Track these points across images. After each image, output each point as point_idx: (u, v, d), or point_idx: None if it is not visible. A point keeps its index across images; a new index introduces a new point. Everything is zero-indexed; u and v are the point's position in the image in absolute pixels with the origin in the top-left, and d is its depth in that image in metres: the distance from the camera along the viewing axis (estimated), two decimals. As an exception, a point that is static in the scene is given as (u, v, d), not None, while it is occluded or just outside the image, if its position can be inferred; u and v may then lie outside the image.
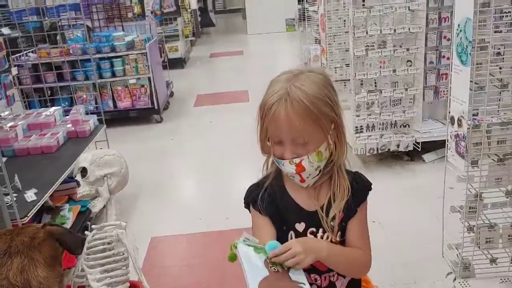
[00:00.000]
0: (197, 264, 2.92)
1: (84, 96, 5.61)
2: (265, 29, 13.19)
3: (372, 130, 3.90)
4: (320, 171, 1.24)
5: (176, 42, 9.06)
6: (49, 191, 2.63)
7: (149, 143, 5.21)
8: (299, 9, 7.27)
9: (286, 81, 1.20)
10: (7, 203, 2.22)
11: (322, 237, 1.27)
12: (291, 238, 1.27)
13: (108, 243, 1.31)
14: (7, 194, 2.25)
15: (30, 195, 2.51)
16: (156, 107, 5.73)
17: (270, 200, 1.30)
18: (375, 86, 3.82)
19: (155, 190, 4.01)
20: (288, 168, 1.21)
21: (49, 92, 5.88)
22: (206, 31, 14.49)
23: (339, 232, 1.28)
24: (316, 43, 6.86)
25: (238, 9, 18.81)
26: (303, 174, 1.21)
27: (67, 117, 3.58)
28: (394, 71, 3.69)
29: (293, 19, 13.44)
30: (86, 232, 1.34)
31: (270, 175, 1.34)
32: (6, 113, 3.54)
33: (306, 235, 1.27)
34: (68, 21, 5.58)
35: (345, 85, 4.77)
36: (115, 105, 5.74)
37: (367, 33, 3.57)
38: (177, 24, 9.31)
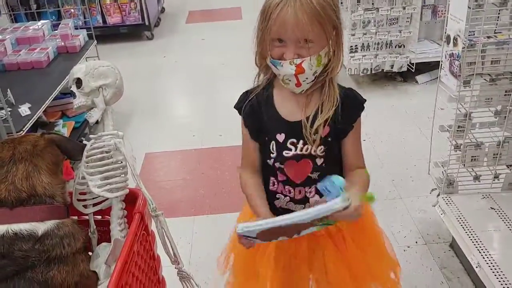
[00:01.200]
0: (191, 179, 3.01)
1: (72, 10, 5.42)
2: None
3: (367, 50, 3.86)
4: (315, 77, 1.23)
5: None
6: (43, 105, 2.64)
7: (140, 60, 5.13)
8: None
9: None
10: (1, 117, 2.24)
11: (302, 149, 1.27)
12: (273, 148, 1.30)
13: (107, 152, 1.34)
14: (1, 108, 2.26)
15: (24, 110, 2.52)
16: (147, 23, 5.58)
17: (252, 112, 1.33)
18: (372, 4, 3.72)
19: (148, 107, 4.02)
20: (287, 68, 1.18)
21: (35, 5, 5.68)
22: None
23: (322, 147, 1.26)
24: None
25: None
26: (300, 76, 1.19)
27: (56, 31, 3.49)
28: (393, -12, 3.59)
29: None
30: (84, 141, 1.37)
31: (260, 85, 1.35)
32: (-7, 25, 3.44)
33: (286, 146, 1.28)
34: None
35: (341, 3, 4.64)
36: (104, 21, 5.57)
37: None
38: None
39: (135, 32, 5.71)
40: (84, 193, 1.40)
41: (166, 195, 2.87)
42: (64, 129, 3.05)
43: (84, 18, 5.41)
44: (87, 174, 1.30)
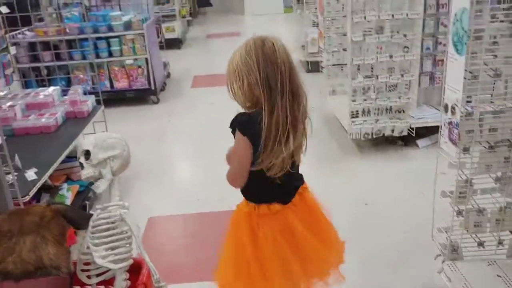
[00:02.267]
0: (194, 244, 2.99)
1: (81, 76, 5.61)
2: (262, 10, 13.12)
3: (367, 115, 3.95)
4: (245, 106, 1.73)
5: (173, 22, 9.00)
6: (49, 170, 2.68)
7: (146, 124, 5.24)
8: (297, -9, 7.26)
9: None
10: (8, 182, 2.27)
11: None
12: None
13: (112, 222, 1.36)
14: (8, 173, 2.29)
15: (30, 174, 2.56)
16: (153, 87, 5.75)
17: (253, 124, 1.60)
18: (372, 71, 3.86)
19: (152, 170, 4.06)
20: None
21: (46, 71, 5.88)
22: (202, 11, 14.37)
23: None
24: (314, 26, 6.85)
25: (235, -11, 18.66)
26: None
27: (66, 97, 3.60)
28: (391, 56, 3.73)
29: (291, 0, 13.38)
30: (87, 204, 1.40)
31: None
32: (5, 92, 3.56)
33: None
34: (65, -1, 5.59)
35: (342, 69, 4.80)
36: (112, 85, 5.75)
37: (365, 18, 3.60)
38: (174, 4, 9.23)
39: (141, 96, 5.87)
40: (88, 263, 1.40)
41: (169, 260, 2.83)
42: (68, 192, 3.08)
43: (93, 83, 5.59)
44: (92, 245, 1.32)
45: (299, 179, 1.82)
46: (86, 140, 1.46)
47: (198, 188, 3.72)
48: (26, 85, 5.33)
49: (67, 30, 5.41)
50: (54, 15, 6.19)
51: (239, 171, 1.61)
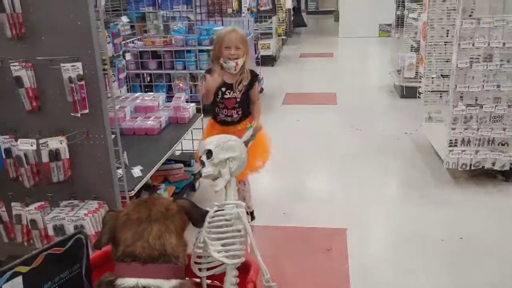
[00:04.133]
0: (279, 257, 3.02)
1: (181, 84, 5.91)
2: (356, 33, 13.05)
3: (467, 145, 3.78)
4: (241, 67, 2.89)
5: (269, 40, 9.23)
6: (152, 170, 2.86)
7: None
8: (397, 15, 7.13)
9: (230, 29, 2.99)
10: (118, 176, 2.45)
11: (231, 94, 2.93)
12: (220, 93, 2.93)
13: (228, 220, 1.44)
14: (119, 168, 2.48)
15: (136, 171, 2.74)
16: (246, 101, 5.92)
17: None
18: (475, 100, 3.69)
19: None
20: (231, 63, 2.85)
21: (148, 78, 6.29)
22: (297, 31, 14.59)
23: (240, 94, 2.94)
24: (412, 51, 6.71)
25: (330, 10, 18.73)
26: (237, 66, 2.86)
27: (170, 103, 3.82)
28: (498, 86, 3.55)
29: (388, 25, 13.17)
30: (207, 208, 1.48)
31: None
32: (117, 94, 3.84)
33: (225, 92, 2.94)
34: (173, 12, 5.96)
35: (440, 96, 4.65)
36: (208, 96, 5.99)
37: (473, 45, 3.47)
38: (271, 22, 9.48)
39: (234, 108, 6.06)
40: (200, 257, 1.48)
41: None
42: (165, 193, 3.25)
43: (191, 92, 5.88)
44: (209, 239, 1.39)
45: None
46: (208, 140, 1.58)
47: (285, 202, 3.75)
48: (131, 89, 5.73)
49: (173, 42, 5.75)
50: (161, 27, 6.62)
51: None
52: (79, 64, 2.16)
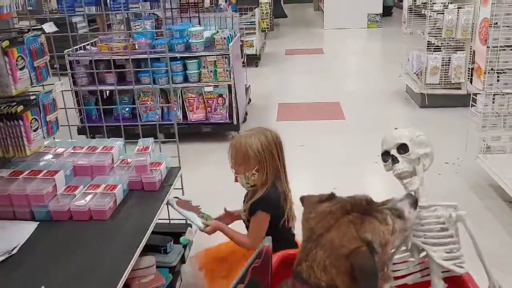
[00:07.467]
0: None
1: (149, 102, 4.55)
2: (343, 24, 11.85)
3: None
4: (250, 186, 2.22)
5: (252, 37, 7.87)
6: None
7: (227, 168, 4.07)
8: (409, 6, 5.93)
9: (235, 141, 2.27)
10: None
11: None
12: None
13: (443, 223, 1.34)
14: None
15: None
16: (235, 122, 4.60)
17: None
18: None
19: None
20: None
21: (107, 93, 4.91)
22: (276, 23, 13.23)
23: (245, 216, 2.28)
24: (429, 50, 5.50)
25: (309, -2, 17.54)
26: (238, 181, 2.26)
27: (129, 153, 2.48)
28: None
29: (377, 15, 12.02)
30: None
31: None
32: (47, 142, 2.46)
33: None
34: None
35: (504, 121, 3.44)
36: (184, 116, 4.66)
37: None
38: (253, 15, 8.12)
39: (219, 131, 4.74)
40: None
41: None
42: None
43: (162, 112, 4.55)
44: (427, 245, 1.31)
45: None
46: (398, 132, 1.41)
47: None
48: (83, 113, 4.34)
49: (136, 47, 4.37)
50: (122, 27, 5.22)
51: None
52: None
